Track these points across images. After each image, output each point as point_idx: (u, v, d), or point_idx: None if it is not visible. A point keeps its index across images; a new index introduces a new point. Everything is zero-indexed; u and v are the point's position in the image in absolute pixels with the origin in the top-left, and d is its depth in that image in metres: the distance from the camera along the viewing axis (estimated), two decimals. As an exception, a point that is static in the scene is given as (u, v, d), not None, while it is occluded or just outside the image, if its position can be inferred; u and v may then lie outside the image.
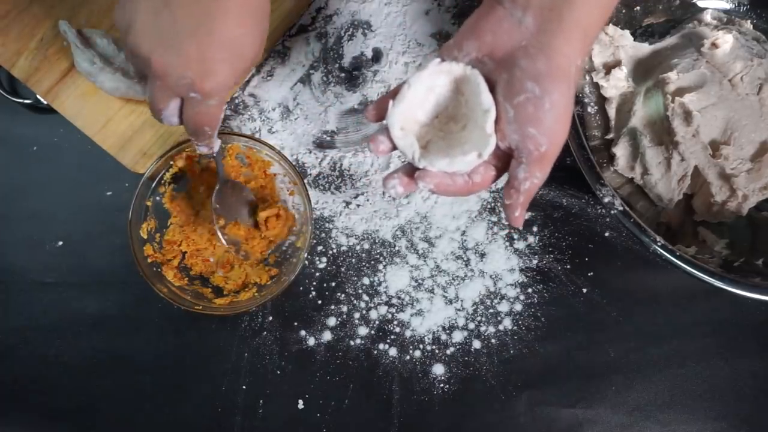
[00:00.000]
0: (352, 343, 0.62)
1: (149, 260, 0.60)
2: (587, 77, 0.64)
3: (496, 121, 0.41)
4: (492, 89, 0.42)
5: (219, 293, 0.62)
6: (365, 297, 0.63)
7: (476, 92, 0.42)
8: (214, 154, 0.53)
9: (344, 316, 0.62)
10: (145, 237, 0.60)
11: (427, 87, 0.44)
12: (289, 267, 0.61)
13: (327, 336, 0.62)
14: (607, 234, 0.64)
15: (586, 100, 0.64)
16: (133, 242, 0.58)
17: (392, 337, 0.62)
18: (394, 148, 0.44)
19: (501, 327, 0.62)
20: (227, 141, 0.60)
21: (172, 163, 0.60)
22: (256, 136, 0.64)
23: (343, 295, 0.63)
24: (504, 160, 0.43)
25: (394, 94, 0.43)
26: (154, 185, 0.60)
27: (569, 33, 0.39)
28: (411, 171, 0.44)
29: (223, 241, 0.59)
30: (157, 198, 0.61)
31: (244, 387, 0.61)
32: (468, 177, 0.43)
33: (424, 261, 0.64)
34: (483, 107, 0.42)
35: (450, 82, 0.44)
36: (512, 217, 0.42)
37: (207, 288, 0.62)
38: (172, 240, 0.62)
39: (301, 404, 0.61)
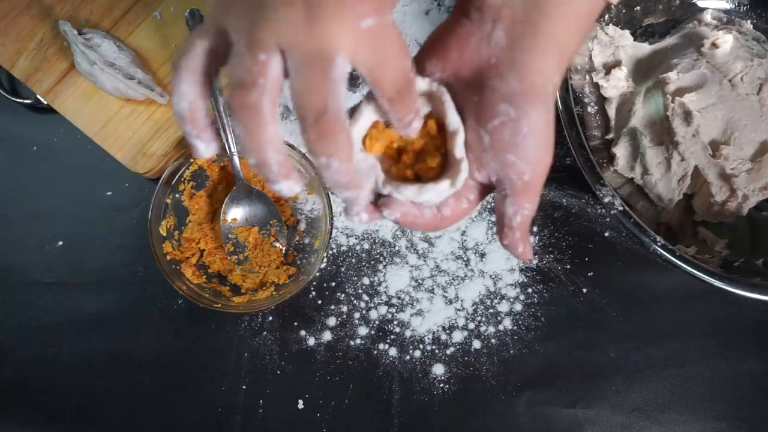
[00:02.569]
0: (352, 343, 0.62)
1: (168, 257, 0.60)
2: (587, 77, 0.64)
3: (470, 149, 0.37)
4: (462, 114, 0.37)
5: (237, 292, 0.62)
6: (365, 297, 0.63)
7: (443, 113, 0.37)
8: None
9: (344, 316, 0.62)
10: (164, 234, 0.60)
11: None
12: (307, 266, 0.61)
13: (327, 336, 0.62)
14: (607, 234, 0.64)
15: (586, 100, 0.64)
16: (153, 239, 0.58)
17: (392, 337, 0.62)
18: None
19: (501, 327, 0.62)
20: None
21: (192, 160, 0.60)
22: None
23: (343, 295, 0.63)
24: (479, 192, 0.38)
25: (352, 112, 0.37)
26: (173, 183, 0.60)
27: (544, 49, 0.35)
28: (377, 197, 0.38)
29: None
30: (177, 196, 0.61)
31: (244, 387, 0.61)
32: (437, 210, 0.38)
33: (424, 261, 0.64)
34: (450, 128, 0.37)
35: None
36: (518, 254, 0.38)
37: (225, 286, 0.62)
38: (190, 237, 0.62)
39: (301, 404, 0.61)
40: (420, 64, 0.38)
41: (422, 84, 0.37)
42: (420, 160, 0.37)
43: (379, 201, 0.37)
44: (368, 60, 0.31)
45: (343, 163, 0.32)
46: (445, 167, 0.37)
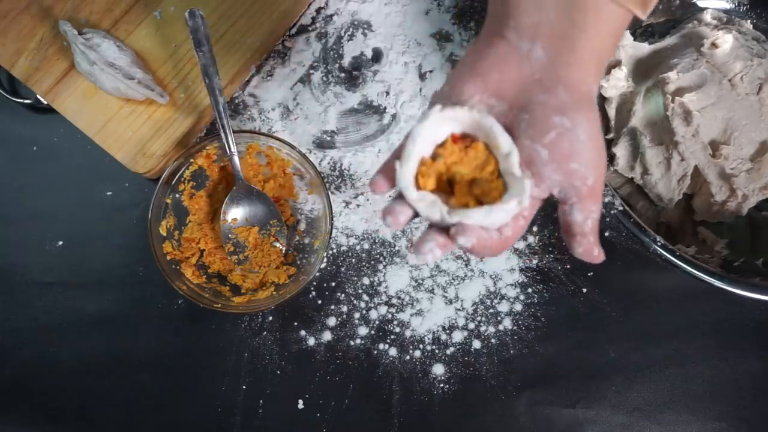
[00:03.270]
0: (352, 343, 0.62)
1: (168, 257, 0.60)
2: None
3: (529, 165, 0.37)
4: (510, 132, 0.38)
5: (237, 292, 0.62)
6: (365, 297, 0.63)
7: (492, 136, 0.37)
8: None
9: (344, 316, 0.62)
10: (164, 234, 0.60)
11: (432, 140, 0.38)
12: (307, 266, 0.61)
13: (327, 336, 0.62)
14: (607, 234, 0.64)
15: (586, 100, 0.64)
16: (153, 239, 0.58)
17: (392, 337, 0.62)
18: (416, 215, 0.38)
19: (501, 327, 0.62)
20: (249, 139, 0.60)
21: (192, 160, 0.60)
22: (256, 136, 0.64)
23: (343, 295, 0.63)
24: (533, 207, 0.39)
25: (396, 155, 0.38)
26: (173, 183, 0.60)
27: (585, 61, 0.36)
28: (443, 229, 0.38)
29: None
30: (177, 196, 0.61)
31: (244, 387, 0.61)
32: (499, 232, 0.38)
33: (424, 261, 0.64)
34: (503, 151, 0.37)
35: (458, 130, 0.38)
36: (593, 258, 0.38)
37: (225, 286, 0.62)
38: (190, 237, 0.62)
39: (301, 404, 0.61)
40: (456, 88, 0.38)
41: (464, 114, 0.37)
42: (476, 186, 0.38)
43: (451, 231, 0.37)
44: None
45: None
46: (502, 188, 0.38)
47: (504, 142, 0.37)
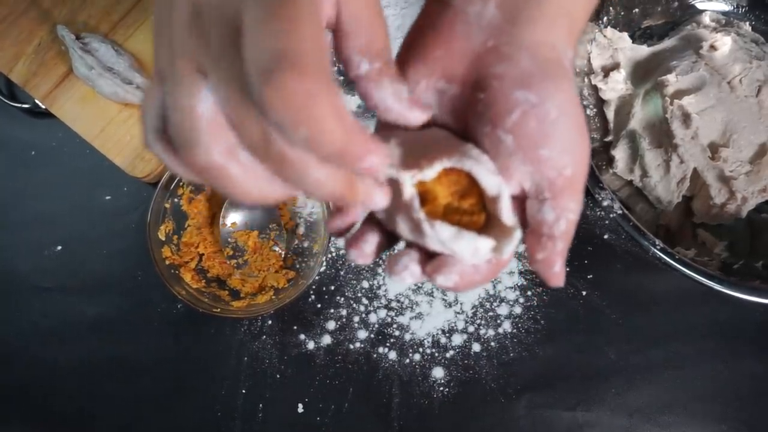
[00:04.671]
0: (351, 346, 0.62)
1: (167, 262, 0.60)
2: (586, 80, 0.64)
3: (494, 158, 0.29)
4: (467, 123, 0.29)
5: (236, 296, 0.62)
6: (365, 300, 0.63)
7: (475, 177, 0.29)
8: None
9: (344, 320, 0.62)
10: (163, 239, 0.60)
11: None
12: (307, 270, 0.61)
13: (326, 340, 0.62)
14: (606, 236, 0.64)
15: (585, 103, 0.64)
16: (151, 244, 0.58)
17: (392, 340, 0.62)
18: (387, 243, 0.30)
19: (500, 330, 0.62)
20: None
21: None
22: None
23: (342, 299, 0.63)
24: (520, 210, 0.30)
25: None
26: (172, 187, 0.60)
27: (552, 19, 0.28)
28: (424, 258, 0.29)
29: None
30: (175, 200, 0.61)
31: (243, 391, 0.61)
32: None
33: (424, 264, 0.64)
34: (489, 194, 0.29)
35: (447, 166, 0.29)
36: (550, 275, 0.29)
37: (224, 290, 0.62)
38: (189, 242, 0.62)
39: (300, 408, 0.61)
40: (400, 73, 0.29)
41: (431, 171, 0.28)
42: (451, 213, 0.30)
43: (427, 267, 0.29)
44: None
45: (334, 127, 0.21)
46: (482, 224, 0.30)
47: (490, 183, 0.28)
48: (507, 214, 0.29)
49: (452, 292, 0.63)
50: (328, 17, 0.25)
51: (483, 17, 0.29)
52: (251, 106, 0.22)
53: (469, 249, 0.28)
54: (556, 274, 0.29)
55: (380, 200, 0.26)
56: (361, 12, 0.25)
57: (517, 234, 0.29)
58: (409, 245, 0.30)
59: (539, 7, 0.28)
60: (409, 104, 0.26)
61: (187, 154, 0.24)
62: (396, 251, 0.30)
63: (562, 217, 0.28)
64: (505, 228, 0.29)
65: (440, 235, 0.28)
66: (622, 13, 0.65)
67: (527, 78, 0.28)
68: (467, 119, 0.29)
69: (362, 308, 0.63)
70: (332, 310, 0.63)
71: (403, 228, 0.29)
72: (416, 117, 0.27)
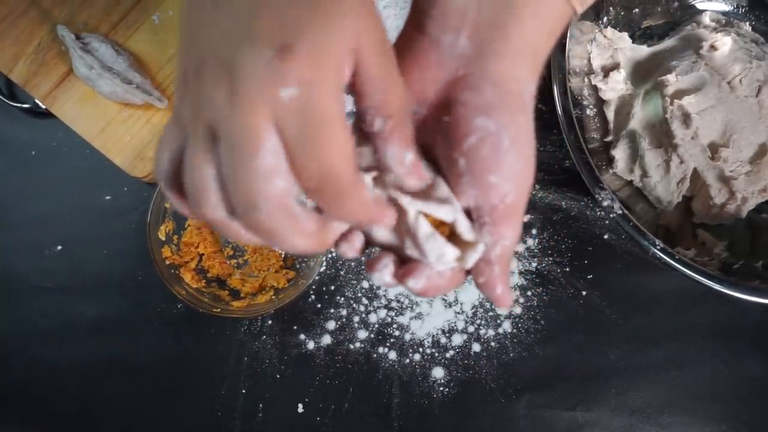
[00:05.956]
0: (351, 346, 0.62)
1: (167, 262, 0.60)
2: (586, 80, 0.64)
3: (446, 178, 0.32)
4: (431, 142, 0.32)
5: (236, 296, 0.61)
6: (365, 300, 0.63)
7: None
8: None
9: (344, 320, 0.62)
10: (163, 239, 0.60)
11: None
12: (307, 270, 0.61)
13: (326, 340, 0.62)
14: (606, 236, 0.64)
15: (585, 103, 0.64)
16: (151, 243, 0.58)
17: (392, 340, 0.62)
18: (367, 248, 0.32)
19: (500, 330, 0.62)
20: None
21: None
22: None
23: (342, 299, 0.63)
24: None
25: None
26: None
27: (518, 53, 0.31)
28: (398, 262, 0.32)
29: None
30: None
31: (243, 391, 0.61)
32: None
33: (424, 264, 0.64)
34: (447, 220, 0.31)
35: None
36: (495, 296, 0.31)
37: (224, 290, 0.62)
38: (189, 242, 0.62)
39: (300, 408, 0.61)
40: None
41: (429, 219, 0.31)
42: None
43: (399, 271, 0.32)
44: (291, 136, 0.26)
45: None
46: (447, 234, 0.32)
47: (443, 215, 0.31)
48: (466, 232, 0.31)
49: (451, 294, 0.63)
50: (348, 78, 0.27)
51: (456, 47, 0.31)
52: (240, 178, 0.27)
53: (437, 252, 0.30)
54: (500, 296, 0.31)
55: (389, 220, 0.30)
56: (377, 74, 0.28)
57: (480, 247, 0.31)
58: (384, 250, 0.33)
59: (505, 42, 0.31)
60: (406, 172, 0.29)
61: (197, 208, 0.29)
62: (375, 252, 0.33)
63: (498, 243, 0.31)
64: (469, 242, 0.31)
65: (421, 229, 0.30)
66: (622, 13, 0.65)
67: (488, 108, 0.30)
68: (431, 139, 0.32)
69: (362, 308, 0.63)
70: (332, 310, 0.63)
71: (382, 232, 0.32)
72: (411, 184, 0.30)
